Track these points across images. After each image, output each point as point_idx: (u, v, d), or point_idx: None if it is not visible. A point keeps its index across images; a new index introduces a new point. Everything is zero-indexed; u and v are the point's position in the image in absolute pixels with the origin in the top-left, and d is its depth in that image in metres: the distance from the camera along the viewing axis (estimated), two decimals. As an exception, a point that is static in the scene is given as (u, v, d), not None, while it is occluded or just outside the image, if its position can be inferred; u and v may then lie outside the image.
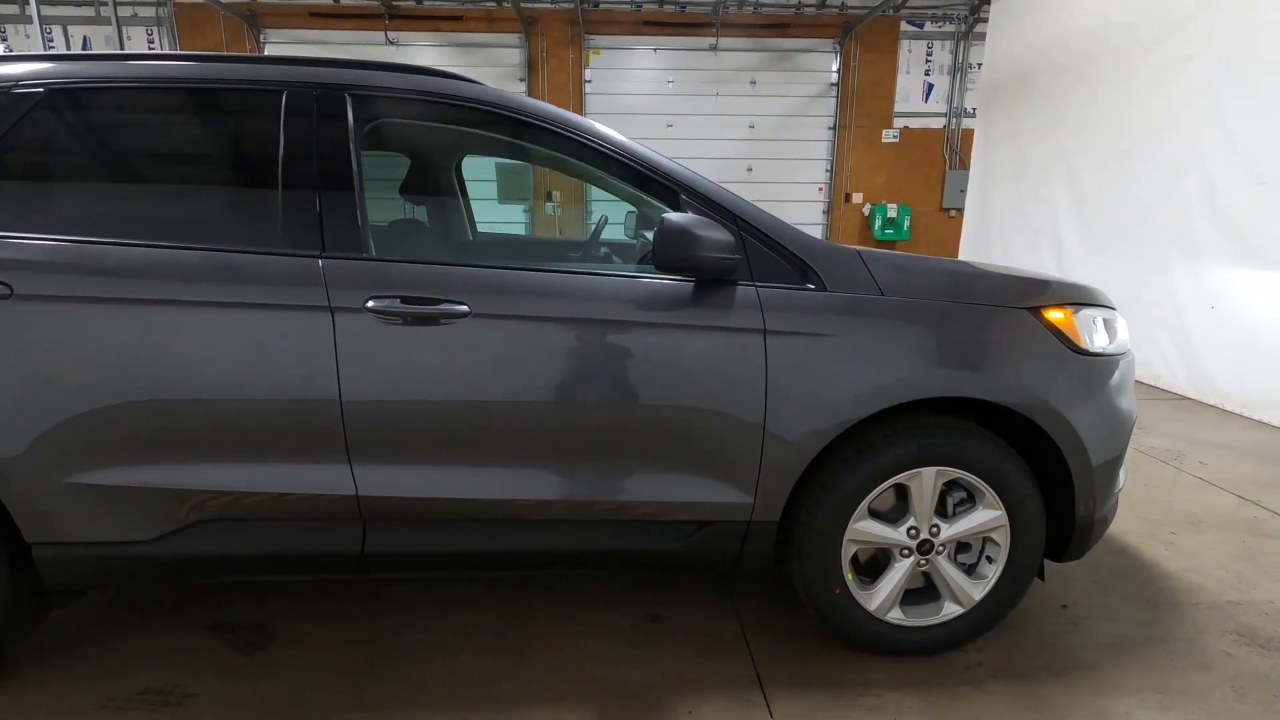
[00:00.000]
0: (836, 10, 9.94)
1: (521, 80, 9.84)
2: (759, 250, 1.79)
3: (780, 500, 1.83)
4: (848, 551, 1.89)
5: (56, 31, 9.48)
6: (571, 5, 9.60)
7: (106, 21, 9.21)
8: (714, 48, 9.92)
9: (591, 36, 9.80)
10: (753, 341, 1.76)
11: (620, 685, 1.89)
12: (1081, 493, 1.91)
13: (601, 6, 9.71)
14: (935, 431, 1.84)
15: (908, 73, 10.34)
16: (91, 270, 1.63)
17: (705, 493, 1.81)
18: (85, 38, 9.58)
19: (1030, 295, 1.91)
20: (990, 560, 1.97)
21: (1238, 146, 4.44)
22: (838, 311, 1.79)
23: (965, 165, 10.26)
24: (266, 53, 9.71)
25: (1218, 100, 4.56)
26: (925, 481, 1.86)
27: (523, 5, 9.21)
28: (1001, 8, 7.30)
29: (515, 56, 9.82)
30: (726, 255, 1.68)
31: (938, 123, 10.50)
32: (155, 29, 9.61)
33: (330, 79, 1.78)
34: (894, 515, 1.92)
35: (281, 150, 1.73)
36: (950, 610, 1.96)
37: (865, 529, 1.88)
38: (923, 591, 1.99)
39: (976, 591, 1.95)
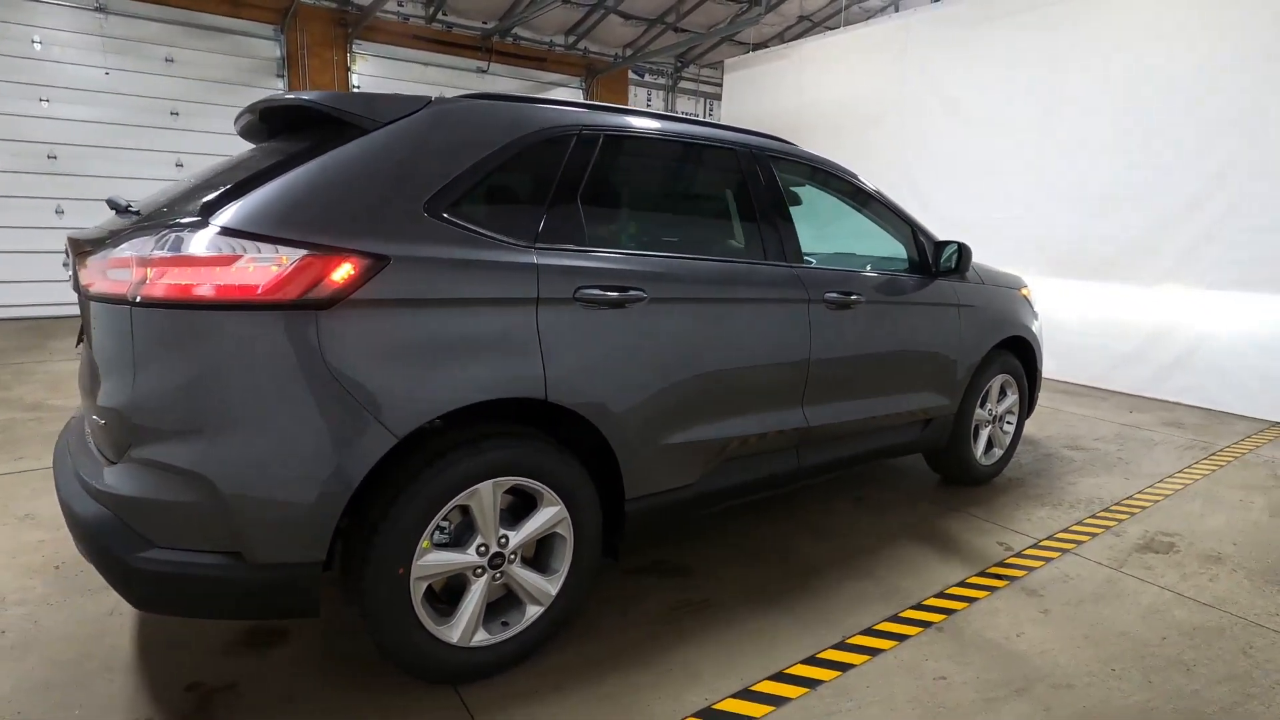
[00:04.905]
0: (580, 54, 11.44)
1: (280, 76, 8.91)
2: (949, 258, 3.17)
3: (959, 400, 3.25)
4: (973, 426, 3.41)
5: None
6: (333, 4, 9.10)
7: None
8: (482, 71, 10.47)
9: (360, 42, 9.41)
10: (954, 311, 3.14)
11: (893, 531, 3.05)
12: (1039, 375, 3.78)
13: (364, 11, 9.39)
14: (1004, 354, 3.47)
15: (634, 113, 12.42)
16: (685, 278, 2.17)
17: (935, 400, 3.12)
18: None
19: (1018, 282, 3.69)
20: (1013, 414, 3.69)
21: (924, 198, 7.31)
22: (976, 292, 3.28)
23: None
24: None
25: (909, 169, 7.42)
26: (998, 381, 3.49)
27: (280, -5, 8.44)
28: (734, 77, 9.75)
29: (270, 49, 8.83)
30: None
31: (658, 156, 12.83)
32: None
33: (762, 145, 2.56)
34: (982, 403, 3.50)
35: (754, 192, 2.46)
36: (997, 453, 3.63)
37: (980, 413, 3.43)
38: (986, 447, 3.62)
39: (1007, 440, 3.67)
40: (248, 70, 8.71)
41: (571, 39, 11.17)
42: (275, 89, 8.92)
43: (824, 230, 3.06)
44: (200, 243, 1.50)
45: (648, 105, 12.57)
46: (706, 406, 2.25)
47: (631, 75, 12.23)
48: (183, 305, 1.48)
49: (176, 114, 8.34)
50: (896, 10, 10.80)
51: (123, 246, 1.55)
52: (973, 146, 6.84)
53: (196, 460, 1.50)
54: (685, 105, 12.99)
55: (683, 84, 12.87)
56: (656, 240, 2.26)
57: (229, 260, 1.50)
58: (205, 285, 1.48)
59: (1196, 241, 5.35)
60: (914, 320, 2.96)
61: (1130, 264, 5.75)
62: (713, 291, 2.22)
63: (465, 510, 1.83)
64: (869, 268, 2.93)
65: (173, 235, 1.51)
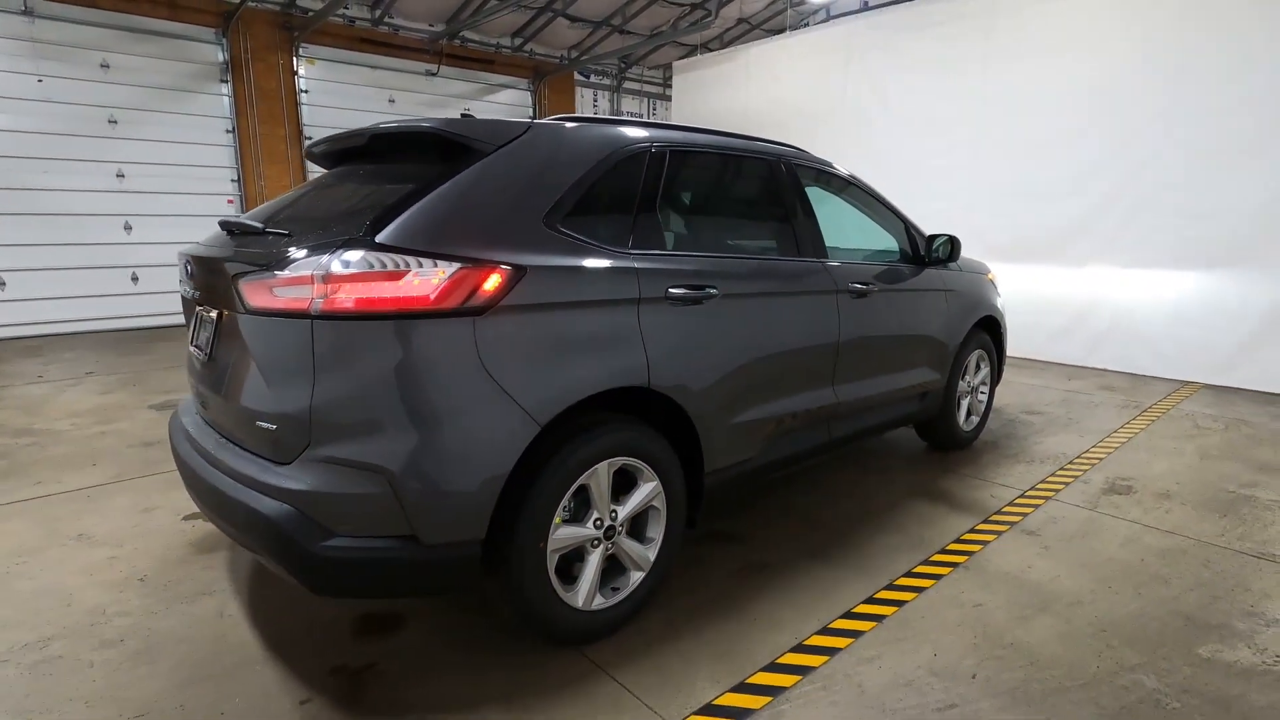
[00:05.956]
0: (527, 55, 11.53)
1: (224, 81, 8.63)
2: (936, 248, 3.58)
3: (947, 374, 3.68)
4: (957, 396, 3.85)
5: None
6: (276, 6, 8.88)
7: None
8: (432, 74, 10.41)
9: (307, 45, 9.21)
10: (943, 295, 3.56)
11: (902, 492, 3.46)
12: (1004, 345, 4.28)
13: (311, 15, 9.20)
14: (979, 332, 3.93)
15: (581, 113, 12.60)
16: (747, 275, 2.46)
17: (929, 375, 3.53)
18: None
19: (985, 268, 4.17)
20: (986, 384, 4.17)
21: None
22: (958, 279, 3.72)
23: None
24: None
25: (852, 166, 7.92)
26: (974, 356, 3.95)
27: (220, -2, 8.17)
28: (684, 79, 10.10)
29: (212, 54, 8.54)
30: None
31: (606, 156, 13.06)
32: None
33: (789, 154, 2.87)
34: (963, 376, 3.95)
35: (787, 196, 2.77)
36: (974, 419, 4.11)
37: (961, 385, 3.88)
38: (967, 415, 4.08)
39: (982, 407, 4.15)
40: (189, 75, 8.41)
41: (519, 41, 11.24)
42: (220, 94, 8.65)
43: (833, 226, 3.41)
44: (375, 260, 1.67)
45: (594, 106, 12.79)
46: (763, 388, 2.55)
47: (577, 76, 12.40)
48: (362, 316, 1.66)
49: (115, 122, 7.97)
50: (829, 15, 11.41)
51: (296, 264, 1.70)
52: (911, 145, 7.42)
53: (378, 455, 1.68)
54: (630, 105, 13.27)
55: (627, 85, 13.13)
56: (720, 242, 2.54)
57: (400, 275, 1.68)
58: (382, 297, 1.66)
59: (1117, 227, 6.06)
60: (913, 305, 3.36)
61: (1060, 249, 6.43)
62: (768, 286, 2.53)
63: (580, 490, 2.06)
64: (872, 260, 3.29)
65: (347, 253, 1.67)
